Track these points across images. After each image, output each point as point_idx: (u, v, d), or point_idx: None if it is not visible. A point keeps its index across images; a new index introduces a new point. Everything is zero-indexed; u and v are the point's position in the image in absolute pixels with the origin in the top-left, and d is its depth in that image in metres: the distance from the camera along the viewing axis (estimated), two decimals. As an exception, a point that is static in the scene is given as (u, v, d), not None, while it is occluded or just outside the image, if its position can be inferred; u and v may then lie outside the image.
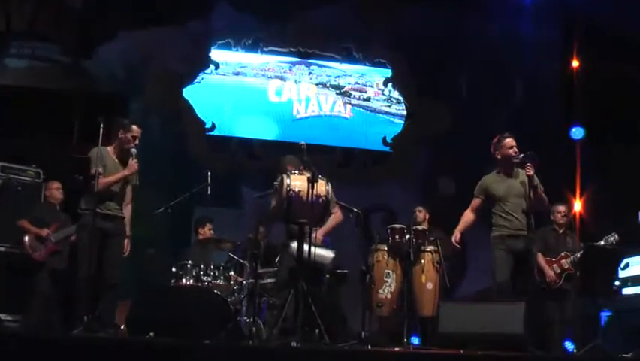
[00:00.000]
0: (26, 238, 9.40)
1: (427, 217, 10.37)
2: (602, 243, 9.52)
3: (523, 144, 8.26)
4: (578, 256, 9.46)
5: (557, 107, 12.89)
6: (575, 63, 13.08)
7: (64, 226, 9.49)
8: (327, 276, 8.99)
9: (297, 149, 8.05)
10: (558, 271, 9.53)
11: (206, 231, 10.40)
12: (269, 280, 9.56)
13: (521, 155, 8.10)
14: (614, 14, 11.67)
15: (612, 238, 9.46)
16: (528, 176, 7.99)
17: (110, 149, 8.16)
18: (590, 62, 12.75)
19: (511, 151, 8.18)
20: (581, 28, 12.38)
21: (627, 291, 10.85)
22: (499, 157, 8.32)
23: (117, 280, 8.04)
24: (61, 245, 9.44)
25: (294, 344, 6.99)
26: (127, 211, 8.30)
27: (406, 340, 8.45)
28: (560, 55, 12.98)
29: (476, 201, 8.47)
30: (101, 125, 7.81)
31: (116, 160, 8.16)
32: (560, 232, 9.77)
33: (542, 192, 8.25)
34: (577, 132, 12.88)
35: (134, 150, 8.09)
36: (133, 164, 8.04)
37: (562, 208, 9.84)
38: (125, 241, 8.21)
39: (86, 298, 7.63)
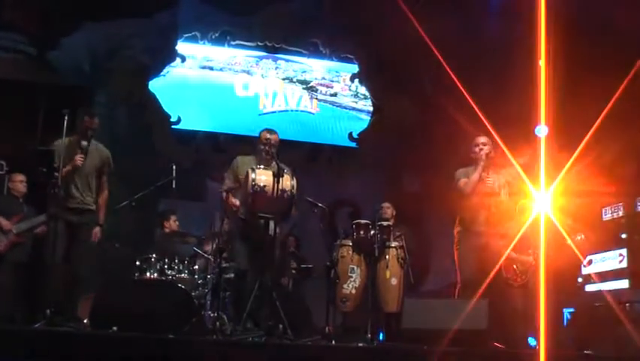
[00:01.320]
0: (-13, 230, 9.30)
1: (394, 214, 10.39)
2: (569, 242, 9.57)
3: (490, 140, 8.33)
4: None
5: (524, 103, 12.95)
6: (541, 60, 13.15)
7: (27, 218, 9.39)
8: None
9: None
10: (522, 268, 9.56)
11: (172, 223, 10.37)
12: (233, 275, 9.55)
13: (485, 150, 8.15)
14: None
15: (579, 237, 9.52)
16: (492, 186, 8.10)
17: (73, 139, 8.10)
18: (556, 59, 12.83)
19: (476, 149, 8.23)
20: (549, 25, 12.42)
21: (590, 288, 10.96)
22: (472, 155, 8.36)
23: (82, 273, 7.98)
24: (23, 237, 9.34)
25: (257, 338, 6.99)
26: (102, 199, 8.26)
27: (369, 335, 8.46)
28: (526, 53, 13.04)
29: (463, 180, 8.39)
30: (66, 117, 7.74)
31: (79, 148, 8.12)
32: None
33: (507, 196, 8.32)
34: (541, 130, 12.96)
35: (84, 143, 8.03)
36: (77, 158, 7.98)
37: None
38: (97, 228, 8.16)
39: (49, 290, 7.57)
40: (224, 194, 8.02)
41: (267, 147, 8.00)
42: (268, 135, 8.14)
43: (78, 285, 7.99)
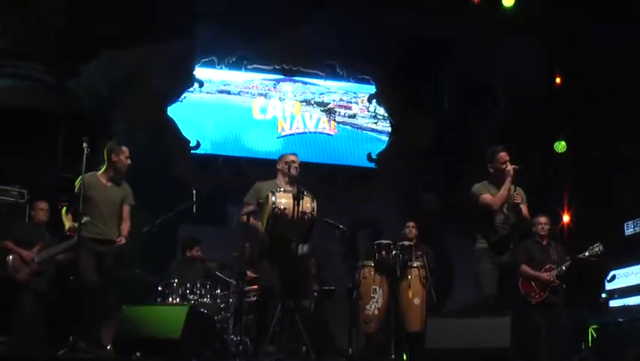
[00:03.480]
0: (10, 258, 9.32)
1: (417, 233, 10.37)
2: (587, 253, 9.48)
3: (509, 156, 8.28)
4: (563, 268, 9.43)
5: (542, 120, 12.90)
6: (558, 77, 13.15)
7: (49, 247, 9.42)
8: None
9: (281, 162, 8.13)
10: (541, 285, 9.49)
11: (194, 253, 10.39)
12: (255, 298, 9.55)
13: (513, 166, 8.09)
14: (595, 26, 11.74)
15: (597, 248, 9.42)
16: (515, 203, 8.01)
17: (99, 174, 8.18)
18: (573, 76, 12.82)
19: (503, 166, 8.15)
20: (564, 41, 12.41)
21: (614, 303, 10.89)
22: (491, 170, 8.28)
23: (107, 301, 8.00)
24: (45, 266, 9.37)
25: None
26: (125, 228, 8.30)
27: (393, 356, 8.43)
28: (544, 68, 13.02)
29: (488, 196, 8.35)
30: (85, 146, 7.79)
31: (108, 184, 8.19)
32: (544, 243, 9.73)
33: (527, 213, 8.25)
34: (560, 145, 12.93)
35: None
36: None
37: (543, 220, 9.76)
38: (122, 238, 8.19)
39: (75, 317, 7.62)
40: (245, 217, 8.01)
41: (292, 170, 8.00)
42: (293, 158, 8.16)
43: (102, 312, 8.01)
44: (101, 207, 8.12)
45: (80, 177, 7.94)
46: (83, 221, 7.75)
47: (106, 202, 8.17)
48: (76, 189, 7.94)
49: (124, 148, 8.26)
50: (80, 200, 7.74)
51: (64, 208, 8.17)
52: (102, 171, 8.24)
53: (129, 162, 8.27)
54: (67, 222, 8.30)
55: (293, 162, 8.10)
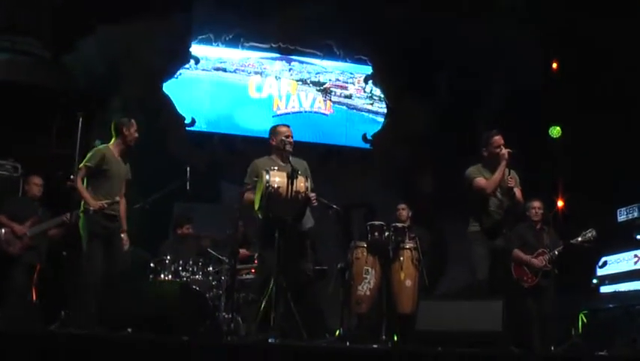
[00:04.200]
0: (2, 232, 9.33)
1: (409, 214, 10.38)
2: (580, 239, 9.54)
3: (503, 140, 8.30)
4: (556, 253, 9.47)
5: (537, 105, 12.89)
6: (555, 64, 13.14)
7: (42, 221, 9.42)
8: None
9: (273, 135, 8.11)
10: (533, 270, 9.52)
11: (184, 230, 10.39)
12: (248, 276, 9.57)
13: (508, 150, 8.11)
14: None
15: (590, 234, 9.48)
16: (509, 187, 8.05)
17: (111, 147, 8.17)
18: (568, 63, 12.81)
19: (497, 150, 8.18)
20: (560, 29, 12.40)
21: (605, 289, 10.92)
22: (485, 154, 8.32)
23: (115, 279, 8.01)
24: (37, 240, 9.37)
25: (272, 340, 6.98)
26: (122, 205, 8.32)
27: (384, 337, 8.46)
28: (540, 55, 13.00)
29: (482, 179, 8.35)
30: (80, 120, 7.78)
31: (119, 158, 8.19)
32: (537, 228, 9.77)
33: (520, 197, 8.28)
34: (555, 131, 12.93)
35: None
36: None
37: (536, 204, 9.80)
38: (123, 235, 8.21)
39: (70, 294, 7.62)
40: (246, 199, 7.99)
41: (287, 146, 7.98)
42: (286, 131, 8.13)
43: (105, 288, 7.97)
44: (114, 182, 8.14)
45: (93, 150, 7.96)
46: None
47: (118, 177, 8.19)
48: (91, 162, 7.92)
49: (133, 121, 8.26)
50: (95, 172, 7.76)
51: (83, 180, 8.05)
52: (112, 144, 8.22)
53: (137, 135, 8.26)
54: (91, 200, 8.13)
55: (287, 137, 8.05)
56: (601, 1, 11.55)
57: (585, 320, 10.19)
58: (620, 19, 11.47)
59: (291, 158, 7.83)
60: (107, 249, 7.93)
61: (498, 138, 8.26)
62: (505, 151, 8.12)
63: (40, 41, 11.73)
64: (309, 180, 7.69)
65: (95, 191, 7.92)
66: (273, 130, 8.25)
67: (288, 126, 8.28)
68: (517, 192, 8.21)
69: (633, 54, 11.34)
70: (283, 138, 8.04)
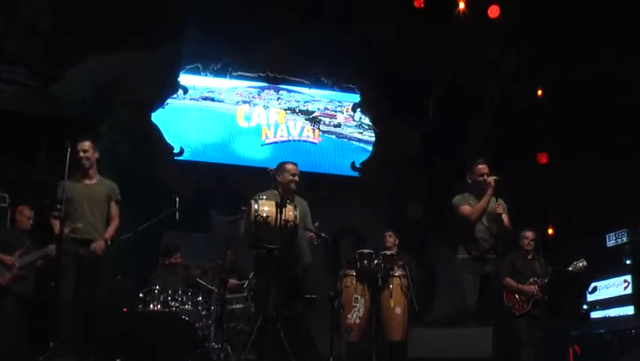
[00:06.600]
0: (-9, 263, 9.28)
1: (396, 242, 10.38)
2: (570, 269, 9.54)
3: (492, 167, 8.33)
4: (546, 281, 9.47)
5: (525, 132, 12.94)
6: (540, 90, 13.20)
7: (31, 251, 9.38)
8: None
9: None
10: (524, 297, 9.52)
11: (173, 260, 10.35)
12: (237, 306, 9.54)
13: (494, 178, 8.14)
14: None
15: (580, 265, 9.48)
16: (497, 214, 8.08)
17: (76, 176, 8.12)
18: (555, 89, 12.87)
19: (481, 179, 8.22)
20: (547, 54, 12.46)
21: (595, 315, 10.93)
22: (469, 181, 8.37)
23: (94, 310, 7.92)
24: (26, 270, 9.32)
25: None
26: (111, 228, 8.23)
27: (374, 365, 8.43)
28: (528, 80, 13.06)
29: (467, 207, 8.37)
30: (69, 150, 7.76)
31: (86, 181, 8.16)
32: (529, 257, 9.79)
33: (508, 223, 8.29)
34: (543, 157, 12.98)
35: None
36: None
37: (529, 234, 9.83)
38: (101, 242, 8.06)
39: (58, 326, 7.56)
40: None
41: (292, 185, 8.00)
42: (294, 170, 8.12)
43: (89, 320, 7.90)
44: (76, 206, 8.02)
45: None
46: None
47: (82, 201, 8.09)
48: (57, 195, 7.89)
49: (84, 141, 8.16)
50: (62, 204, 7.70)
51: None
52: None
53: (89, 154, 8.15)
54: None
55: (293, 175, 8.06)
56: (587, 27, 11.61)
57: (576, 351, 10.16)
58: (609, 47, 11.55)
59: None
60: (82, 274, 7.87)
61: (482, 167, 8.32)
62: (490, 179, 8.16)
63: (28, 70, 11.72)
64: (297, 209, 7.67)
65: (66, 218, 7.84)
66: (281, 167, 8.20)
67: (295, 165, 8.25)
68: (505, 218, 8.23)
69: (621, 79, 11.40)
70: (290, 176, 8.04)
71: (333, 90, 14.03)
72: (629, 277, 11.03)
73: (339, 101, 14.07)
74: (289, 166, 8.18)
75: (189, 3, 11.85)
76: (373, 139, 13.94)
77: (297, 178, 8.07)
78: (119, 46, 11.85)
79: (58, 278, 7.75)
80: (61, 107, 11.80)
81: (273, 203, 7.51)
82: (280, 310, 7.57)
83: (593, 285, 11.07)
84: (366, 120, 14.01)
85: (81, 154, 8.10)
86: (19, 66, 11.70)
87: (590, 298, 11.15)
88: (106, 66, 12.10)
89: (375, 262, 9.19)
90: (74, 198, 7.99)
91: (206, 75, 13.39)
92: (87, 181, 8.18)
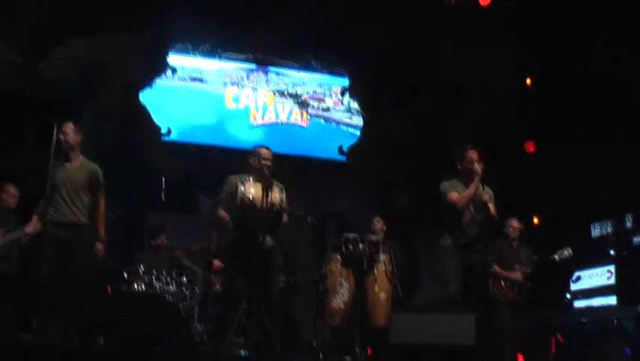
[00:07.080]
0: (-26, 243, 9.22)
1: (384, 228, 10.38)
2: (556, 257, 9.57)
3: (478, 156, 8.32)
4: (529, 270, 9.51)
5: (513, 120, 12.94)
6: (528, 80, 13.21)
7: (14, 230, 9.33)
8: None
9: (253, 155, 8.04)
10: (509, 284, 9.56)
11: (159, 241, 10.33)
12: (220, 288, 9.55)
13: (482, 166, 8.13)
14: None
15: (566, 252, 9.50)
16: (483, 202, 8.07)
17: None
18: (543, 78, 12.89)
19: (471, 165, 8.20)
20: (536, 43, 12.46)
21: (578, 304, 10.97)
22: (459, 168, 8.35)
23: (75, 292, 7.88)
24: (9, 249, 9.27)
25: (244, 352, 6.97)
26: (98, 215, 8.16)
27: (357, 350, 8.44)
28: (517, 69, 13.06)
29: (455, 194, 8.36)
30: (55, 128, 7.70)
31: (67, 165, 8.10)
32: (514, 246, 9.81)
33: (494, 212, 8.27)
34: (530, 146, 12.99)
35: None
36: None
37: (515, 223, 9.86)
38: (99, 245, 8.07)
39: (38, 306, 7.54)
40: (221, 214, 7.95)
41: (265, 170, 7.83)
42: (266, 154, 7.96)
43: (69, 302, 7.88)
44: (56, 190, 7.95)
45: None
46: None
47: (64, 184, 8.01)
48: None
49: (66, 124, 8.08)
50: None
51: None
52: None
53: (69, 138, 8.06)
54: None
55: (265, 159, 7.89)
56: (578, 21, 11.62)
57: (559, 338, 10.20)
58: (598, 37, 11.55)
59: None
60: (63, 256, 7.85)
61: (471, 153, 8.29)
62: (478, 167, 8.15)
63: (14, 47, 11.63)
64: (283, 192, 7.67)
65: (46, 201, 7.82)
66: (253, 151, 8.13)
67: (268, 149, 8.09)
68: (491, 207, 8.22)
69: (608, 70, 11.41)
70: (262, 160, 7.90)
71: (323, 74, 13.99)
72: (612, 268, 11.07)
73: (329, 85, 14.04)
74: (262, 150, 8.04)
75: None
76: (362, 124, 13.93)
77: (269, 163, 7.86)
78: (107, 26, 11.78)
79: (38, 259, 7.72)
80: (47, 86, 11.72)
81: (260, 186, 7.50)
82: (254, 291, 7.55)
83: (576, 274, 11.11)
84: (355, 105, 13.99)
85: (61, 137, 8.01)
86: (6, 43, 11.61)
87: (574, 287, 11.19)
88: (92, 46, 12.02)
89: (361, 246, 9.18)
90: (55, 182, 7.93)
91: (195, 56, 13.32)
92: (68, 164, 8.11)
